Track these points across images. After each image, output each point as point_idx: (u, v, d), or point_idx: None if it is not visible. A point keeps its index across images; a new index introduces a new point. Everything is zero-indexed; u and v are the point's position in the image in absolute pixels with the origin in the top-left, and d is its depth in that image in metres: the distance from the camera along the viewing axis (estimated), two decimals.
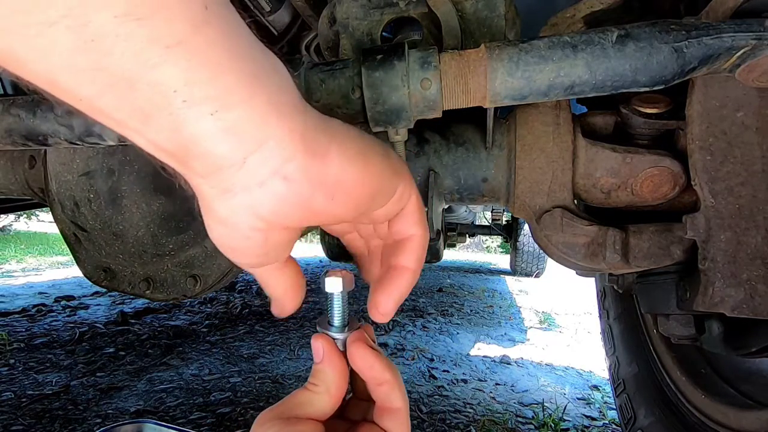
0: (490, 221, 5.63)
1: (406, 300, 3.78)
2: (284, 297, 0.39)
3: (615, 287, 0.89)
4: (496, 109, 0.75)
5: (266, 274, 0.36)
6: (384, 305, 0.39)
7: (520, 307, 3.79)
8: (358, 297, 3.59)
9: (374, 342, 0.43)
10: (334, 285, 0.42)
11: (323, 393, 0.40)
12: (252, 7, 1.11)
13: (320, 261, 5.90)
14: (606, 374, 1.67)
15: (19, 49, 0.20)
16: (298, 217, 0.29)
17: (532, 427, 1.63)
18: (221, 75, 0.23)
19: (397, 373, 0.41)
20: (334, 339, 0.43)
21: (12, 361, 2.00)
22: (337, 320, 0.43)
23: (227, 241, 0.31)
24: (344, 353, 0.42)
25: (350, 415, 0.45)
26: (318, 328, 0.44)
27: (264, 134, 0.26)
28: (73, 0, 0.19)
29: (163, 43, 0.21)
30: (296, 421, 0.38)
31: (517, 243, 5.41)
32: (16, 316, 2.75)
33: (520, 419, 1.68)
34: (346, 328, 0.43)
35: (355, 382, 0.45)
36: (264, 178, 0.27)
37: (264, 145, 0.26)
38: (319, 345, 0.42)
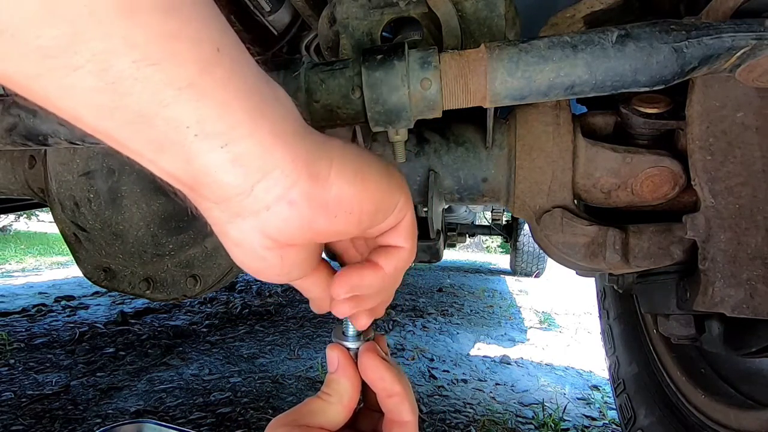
0: (490, 221, 5.62)
1: (406, 300, 3.79)
2: (320, 300, 0.41)
3: (615, 287, 0.89)
4: (496, 109, 0.75)
5: (299, 283, 0.39)
6: (337, 285, 0.38)
7: (520, 307, 3.79)
8: None
9: (387, 353, 0.43)
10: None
11: (336, 403, 0.40)
12: (252, 7, 1.12)
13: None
14: (606, 374, 1.67)
15: (48, 88, 0.23)
16: (303, 237, 0.32)
17: (532, 427, 1.63)
18: (229, 112, 0.25)
19: (408, 385, 0.41)
20: (347, 349, 0.43)
21: (12, 361, 2.00)
22: (351, 330, 0.43)
23: (248, 262, 0.33)
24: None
25: (361, 426, 0.45)
26: (333, 338, 0.44)
27: (269, 164, 0.28)
28: (96, 47, 0.21)
29: (176, 85, 0.23)
30: (307, 431, 0.38)
31: (517, 243, 5.41)
32: (16, 316, 2.75)
33: (520, 419, 1.68)
34: (361, 338, 0.43)
35: (366, 392, 0.45)
36: (270, 203, 0.29)
37: (270, 174, 0.28)
38: (334, 355, 0.42)
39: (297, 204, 0.29)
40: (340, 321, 0.45)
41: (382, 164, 0.36)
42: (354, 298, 0.39)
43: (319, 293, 0.41)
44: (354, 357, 0.42)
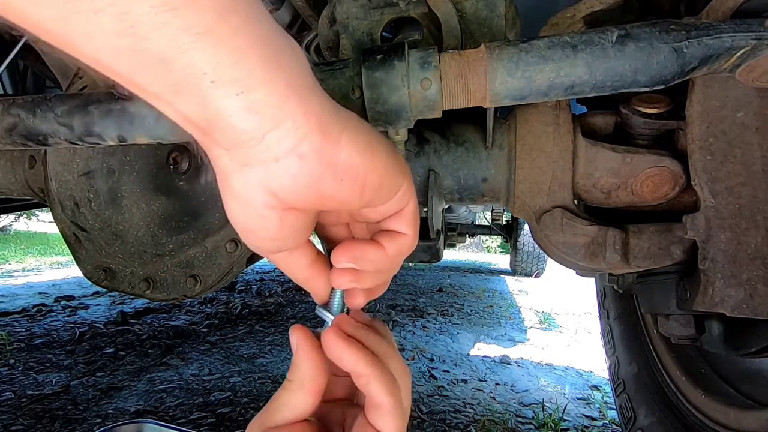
0: (490, 221, 5.63)
1: (406, 300, 3.79)
2: (309, 281, 0.40)
3: (615, 287, 0.89)
4: (496, 109, 0.75)
5: (287, 260, 0.38)
6: (339, 253, 0.37)
7: (520, 307, 3.79)
8: None
9: (362, 327, 0.40)
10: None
11: (298, 390, 0.38)
12: None
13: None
14: (606, 374, 1.67)
15: (70, 32, 0.23)
16: (308, 196, 0.31)
17: (532, 427, 1.63)
18: (245, 59, 0.26)
19: (379, 365, 0.37)
20: (325, 321, 0.41)
21: (12, 361, 2.00)
22: (336, 307, 0.42)
23: (243, 220, 0.33)
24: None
25: (362, 400, 0.42)
26: (317, 311, 0.43)
27: (283, 114, 0.28)
28: None
29: (193, 30, 0.24)
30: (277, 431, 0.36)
31: (517, 243, 5.41)
32: (16, 316, 2.75)
33: (520, 419, 1.68)
34: None
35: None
36: (280, 154, 0.29)
37: (282, 124, 0.28)
38: (293, 337, 0.39)
39: (306, 158, 0.29)
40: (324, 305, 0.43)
41: (390, 146, 0.36)
42: (353, 271, 0.38)
43: (302, 272, 0.40)
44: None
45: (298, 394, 0.38)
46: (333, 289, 0.43)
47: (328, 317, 0.42)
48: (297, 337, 0.39)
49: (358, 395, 0.43)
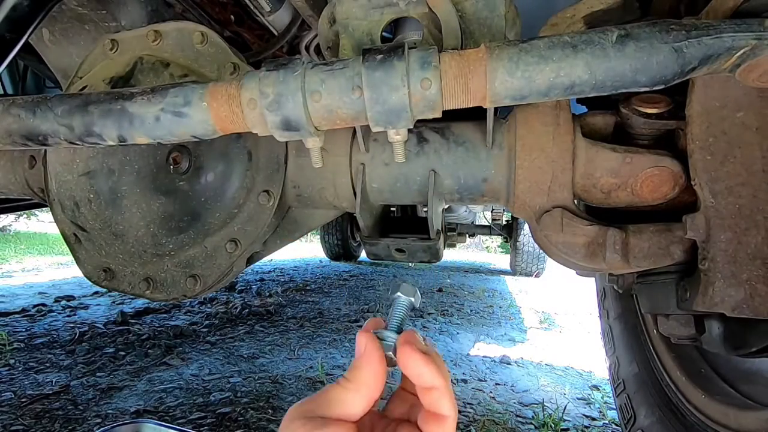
0: (490, 221, 5.63)
1: None
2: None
3: (615, 287, 0.89)
4: (496, 109, 0.75)
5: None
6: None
7: (520, 307, 3.79)
8: (358, 296, 3.59)
9: (426, 345, 0.41)
10: (407, 291, 0.44)
11: (355, 391, 0.39)
12: (252, 7, 1.12)
13: (320, 261, 5.90)
14: (606, 374, 1.67)
15: None
16: None
17: (532, 427, 1.63)
18: None
19: (448, 379, 0.40)
20: (384, 339, 0.42)
21: (12, 361, 2.00)
22: (394, 323, 0.43)
23: None
24: (389, 358, 0.41)
25: (393, 412, 0.44)
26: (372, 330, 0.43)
27: None
28: None
29: None
30: (324, 423, 0.37)
31: (517, 243, 5.41)
32: (16, 316, 2.75)
33: (520, 419, 1.68)
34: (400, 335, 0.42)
35: (405, 378, 0.44)
36: None
37: None
38: (362, 339, 0.41)
39: None
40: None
41: None
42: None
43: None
44: (391, 351, 0.41)
45: (355, 395, 0.38)
46: (399, 299, 0.44)
47: (391, 337, 0.42)
48: (366, 341, 0.40)
49: (391, 408, 0.44)
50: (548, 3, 0.98)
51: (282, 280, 4.33)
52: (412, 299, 0.44)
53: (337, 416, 0.38)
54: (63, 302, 3.14)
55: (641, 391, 1.15)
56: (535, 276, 5.59)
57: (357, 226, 1.01)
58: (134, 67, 0.84)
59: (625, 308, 1.32)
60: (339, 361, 2.13)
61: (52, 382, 1.81)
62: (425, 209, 0.82)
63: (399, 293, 0.44)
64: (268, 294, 3.58)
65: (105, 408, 1.60)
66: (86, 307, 3.02)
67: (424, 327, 2.85)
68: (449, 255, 8.48)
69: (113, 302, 3.17)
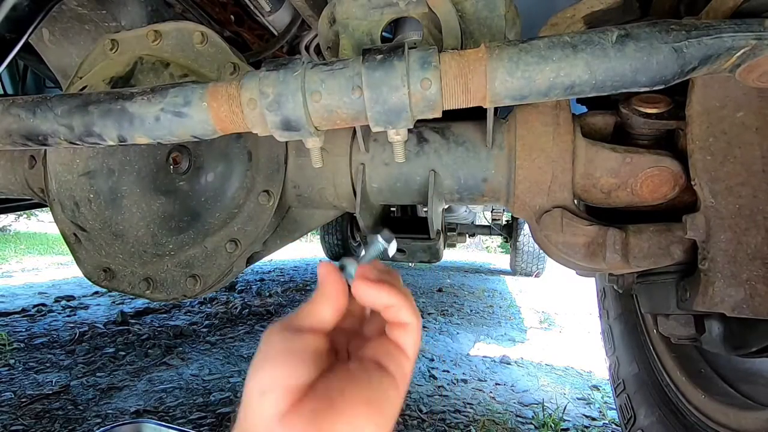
0: (490, 221, 5.62)
1: None
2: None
3: (615, 287, 0.89)
4: (496, 109, 0.75)
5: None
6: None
7: (520, 307, 3.79)
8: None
9: (379, 271, 0.47)
10: (386, 238, 0.50)
11: (322, 303, 0.45)
12: (252, 7, 1.12)
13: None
14: (606, 374, 1.67)
15: None
16: None
17: (532, 427, 1.63)
18: None
19: (404, 294, 0.46)
20: (346, 267, 0.48)
21: (12, 361, 2.00)
22: (363, 261, 0.49)
23: None
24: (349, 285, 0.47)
25: (367, 331, 0.50)
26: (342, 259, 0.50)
27: None
28: None
29: None
30: (299, 331, 0.42)
31: (517, 243, 5.41)
32: (16, 316, 2.75)
33: (520, 419, 1.68)
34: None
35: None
36: None
37: None
38: (321, 267, 0.48)
39: None
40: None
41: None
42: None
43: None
44: (348, 277, 0.48)
45: (324, 307, 0.45)
46: (375, 241, 0.50)
47: (352, 268, 0.49)
48: (324, 267, 0.47)
49: (366, 327, 0.51)
50: (548, 3, 0.98)
51: (282, 280, 4.33)
52: (387, 246, 0.50)
53: (309, 326, 0.44)
54: (63, 302, 3.14)
55: (641, 391, 1.15)
56: (535, 276, 5.59)
57: (357, 226, 1.01)
58: (134, 67, 0.84)
59: (625, 308, 1.32)
60: None
61: (52, 382, 1.81)
62: (425, 209, 0.82)
63: (378, 236, 0.50)
64: (268, 294, 3.58)
65: (105, 408, 1.60)
66: (86, 307, 3.03)
67: (424, 327, 2.85)
68: (449, 255, 8.48)
69: (113, 302, 3.17)
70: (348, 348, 0.48)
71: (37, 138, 0.61)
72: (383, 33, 0.72)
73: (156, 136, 0.58)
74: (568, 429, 1.64)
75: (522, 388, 1.97)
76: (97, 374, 1.90)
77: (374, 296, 0.45)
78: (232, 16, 1.19)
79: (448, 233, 4.94)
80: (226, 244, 0.84)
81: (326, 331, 0.45)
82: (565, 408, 1.76)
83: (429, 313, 3.23)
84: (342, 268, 0.48)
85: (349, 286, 0.47)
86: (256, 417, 0.38)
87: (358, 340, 0.48)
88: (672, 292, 0.73)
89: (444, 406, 1.75)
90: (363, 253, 0.50)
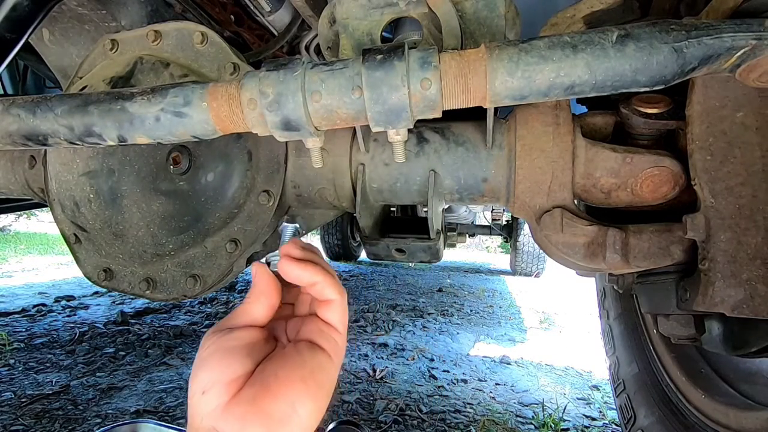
0: (490, 221, 5.63)
1: (406, 300, 3.77)
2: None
3: (615, 287, 0.89)
4: (496, 109, 0.75)
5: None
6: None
7: (520, 307, 3.79)
8: (357, 296, 3.59)
9: (303, 250, 0.50)
10: (290, 221, 0.57)
11: (253, 303, 0.48)
12: (252, 8, 1.12)
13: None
14: (606, 374, 1.67)
15: None
16: None
17: (532, 427, 1.63)
18: None
19: (327, 272, 0.48)
20: (272, 260, 0.52)
21: (12, 361, 2.00)
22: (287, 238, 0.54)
23: None
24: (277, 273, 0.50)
25: (300, 310, 0.53)
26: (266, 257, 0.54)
27: None
28: None
29: None
30: (233, 329, 0.45)
31: (517, 243, 5.41)
32: (16, 316, 2.75)
33: (520, 419, 1.68)
34: None
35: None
36: None
37: None
38: (253, 267, 0.50)
39: None
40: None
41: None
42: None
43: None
44: (275, 266, 0.51)
45: (254, 305, 0.47)
46: (285, 229, 0.54)
47: (276, 257, 0.52)
48: (256, 267, 0.50)
49: (298, 308, 0.53)
50: (548, 3, 0.98)
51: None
52: (297, 225, 0.55)
53: (241, 324, 0.46)
54: (63, 302, 3.14)
55: (641, 391, 1.15)
56: (535, 276, 5.59)
57: (357, 226, 1.01)
58: (134, 67, 0.84)
59: (625, 308, 1.32)
60: None
61: (52, 382, 1.81)
62: (425, 209, 0.82)
63: (284, 224, 0.54)
64: None
65: (105, 408, 1.60)
66: (86, 307, 3.02)
67: (424, 327, 2.85)
68: (449, 255, 8.48)
69: (113, 302, 3.17)
70: (286, 330, 0.51)
71: (37, 138, 0.61)
72: (383, 33, 0.72)
73: (156, 136, 0.58)
74: (568, 429, 1.64)
75: (522, 388, 1.97)
76: (97, 374, 1.90)
77: (299, 274, 0.47)
78: (232, 16, 1.19)
79: (448, 233, 4.94)
80: (226, 244, 0.84)
81: (260, 326, 0.47)
82: (565, 408, 1.76)
83: (429, 313, 3.23)
84: (269, 264, 0.52)
85: (277, 274, 0.49)
86: (203, 414, 0.41)
87: (294, 322, 0.51)
88: (672, 292, 0.73)
89: (444, 406, 1.75)
90: (280, 244, 0.53)
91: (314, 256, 0.50)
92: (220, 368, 0.42)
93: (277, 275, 0.50)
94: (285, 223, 0.55)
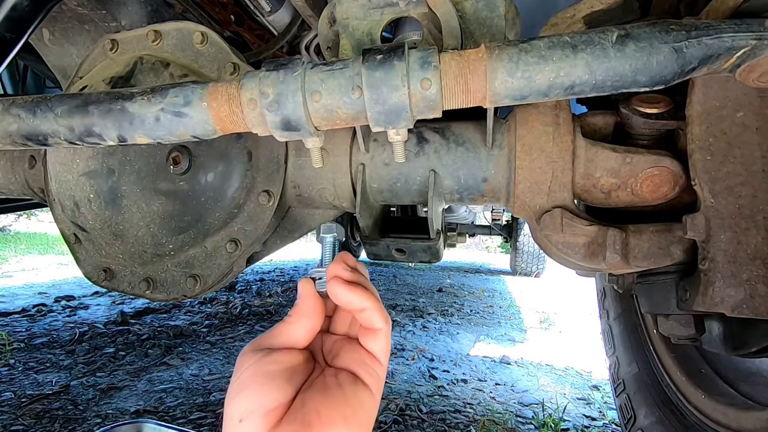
0: (490, 221, 5.62)
1: (406, 300, 3.77)
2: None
3: (615, 287, 0.89)
4: (496, 109, 0.75)
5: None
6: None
7: (520, 307, 3.79)
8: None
9: (353, 272, 0.48)
10: (328, 230, 0.53)
11: (294, 323, 0.46)
12: (252, 7, 1.12)
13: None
14: (606, 374, 1.67)
15: None
16: None
17: (532, 427, 1.63)
18: None
19: (375, 298, 0.47)
20: (319, 278, 0.50)
21: (12, 361, 2.00)
22: (325, 262, 0.51)
23: None
24: (323, 293, 0.49)
25: (337, 329, 0.51)
26: (309, 271, 0.52)
27: None
28: None
29: None
30: (270, 351, 0.44)
31: (517, 243, 5.41)
32: (16, 316, 2.75)
33: (520, 419, 1.68)
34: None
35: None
36: None
37: None
38: (300, 285, 0.49)
39: None
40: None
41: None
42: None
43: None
44: (321, 285, 0.49)
45: (295, 327, 0.46)
46: (324, 240, 0.53)
47: (322, 274, 0.50)
48: (303, 286, 0.48)
49: (336, 325, 0.52)
50: (548, 3, 0.98)
51: (282, 280, 4.33)
52: (335, 234, 0.53)
53: (282, 345, 0.45)
54: (63, 302, 3.14)
55: (641, 391, 1.15)
56: (535, 276, 5.59)
57: (357, 226, 1.01)
58: (134, 67, 0.84)
59: (625, 308, 1.32)
60: None
61: (52, 382, 1.81)
62: (425, 209, 0.82)
63: (323, 234, 0.52)
64: (268, 294, 3.58)
65: (105, 408, 1.60)
66: (86, 307, 3.02)
67: (424, 327, 2.85)
68: (449, 255, 8.48)
69: (113, 302, 3.17)
70: (323, 348, 0.50)
71: (37, 138, 0.61)
72: (383, 33, 0.72)
73: (156, 136, 0.58)
74: (568, 429, 1.64)
75: (522, 388, 1.97)
76: (97, 374, 1.90)
77: (350, 299, 0.46)
78: (232, 16, 1.19)
79: (448, 233, 4.94)
80: (226, 244, 0.84)
81: (300, 349, 0.46)
82: (565, 408, 1.76)
83: (429, 313, 3.23)
84: (314, 281, 0.50)
85: (321, 293, 0.48)
86: None
87: (332, 341, 0.50)
88: (672, 292, 0.73)
89: (444, 406, 1.75)
90: (321, 256, 0.52)
91: (363, 279, 0.49)
92: (260, 396, 0.40)
93: (321, 294, 0.48)
94: (323, 233, 0.53)
